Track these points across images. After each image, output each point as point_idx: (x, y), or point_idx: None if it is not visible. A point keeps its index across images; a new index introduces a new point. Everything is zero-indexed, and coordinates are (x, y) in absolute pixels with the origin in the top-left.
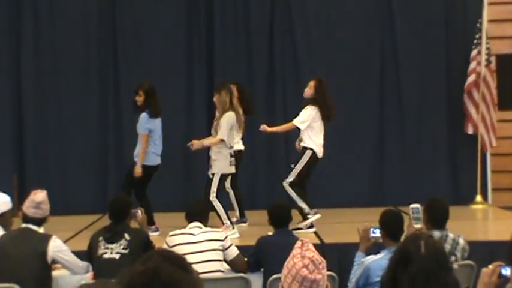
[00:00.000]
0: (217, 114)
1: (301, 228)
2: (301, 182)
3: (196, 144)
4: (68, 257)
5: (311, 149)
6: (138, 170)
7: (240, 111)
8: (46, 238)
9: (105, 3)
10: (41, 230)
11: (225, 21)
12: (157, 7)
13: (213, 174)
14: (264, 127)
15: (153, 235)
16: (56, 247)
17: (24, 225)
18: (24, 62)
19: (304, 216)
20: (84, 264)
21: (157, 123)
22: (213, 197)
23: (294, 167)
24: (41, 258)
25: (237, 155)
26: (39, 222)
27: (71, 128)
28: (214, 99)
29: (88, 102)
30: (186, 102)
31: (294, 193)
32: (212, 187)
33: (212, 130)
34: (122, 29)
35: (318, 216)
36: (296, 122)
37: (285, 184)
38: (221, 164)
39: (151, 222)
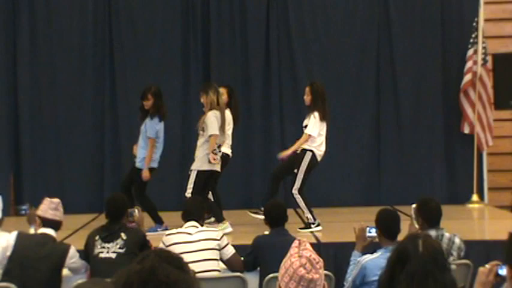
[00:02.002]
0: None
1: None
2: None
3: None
4: (77, 263)
5: (311, 151)
6: (146, 174)
7: (227, 112)
8: (65, 250)
9: (102, 3)
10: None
11: (221, 21)
12: (153, 6)
13: (190, 171)
14: (282, 155)
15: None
16: (72, 257)
17: (42, 230)
18: (20, 62)
19: (307, 225)
20: (84, 263)
21: (162, 127)
22: (188, 193)
23: (297, 172)
24: (57, 269)
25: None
26: (57, 225)
27: (67, 127)
28: (202, 99)
29: (84, 101)
30: (183, 102)
31: (302, 202)
32: (188, 184)
33: (198, 129)
34: (118, 29)
35: (319, 228)
36: (308, 131)
37: (294, 192)
38: (199, 161)
39: (159, 221)
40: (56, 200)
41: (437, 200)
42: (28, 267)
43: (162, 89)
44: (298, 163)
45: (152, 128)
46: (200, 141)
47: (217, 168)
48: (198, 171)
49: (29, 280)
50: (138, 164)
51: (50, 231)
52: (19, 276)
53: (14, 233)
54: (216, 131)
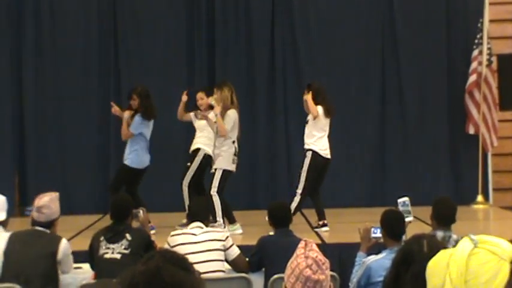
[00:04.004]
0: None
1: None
2: (313, 189)
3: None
4: (69, 263)
5: (310, 150)
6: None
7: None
8: (57, 239)
9: (106, 4)
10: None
11: (225, 21)
12: (158, 7)
13: (215, 170)
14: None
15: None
16: (66, 250)
17: (32, 228)
18: (25, 61)
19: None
20: (72, 266)
21: (150, 126)
22: (214, 191)
23: (300, 172)
24: (51, 258)
25: None
26: (44, 225)
27: (72, 127)
28: (215, 96)
29: (89, 101)
30: (188, 103)
31: (295, 203)
32: (214, 182)
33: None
34: (123, 30)
35: (325, 228)
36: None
37: (298, 191)
38: (224, 160)
39: None
40: (40, 203)
41: (452, 202)
42: (21, 258)
43: (167, 89)
44: (302, 164)
45: (136, 126)
46: (219, 140)
47: (234, 168)
48: (224, 170)
49: (25, 272)
50: (125, 161)
51: (38, 228)
52: (17, 271)
53: (7, 234)
54: (227, 133)
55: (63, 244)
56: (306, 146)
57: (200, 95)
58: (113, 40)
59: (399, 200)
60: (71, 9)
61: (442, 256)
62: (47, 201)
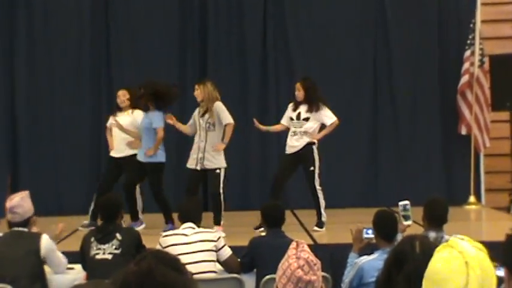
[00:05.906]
0: (200, 109)
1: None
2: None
3: (220, 147)
4: (57, 257)
5: (314, 143)
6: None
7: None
8: (37, 236)
9: (98, 2)
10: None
11: (218, 19)
12: (150, 3)
13: (219, 169)
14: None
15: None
16: (48, 245)
17: (10, 230)
18: (18, 63)
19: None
20: (65, 262)
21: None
22: (221, 192)
23: (314, 168)
24: (35, 256)
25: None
26: (21, 224)
27: (64, 128)
28: (198, 92)
29: (81, 102)
30: (179, 99)
31: (322, 198)
32: (221, 182)
33: (206, 124)
34: (115, 26)
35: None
36: (333, 118)
37: (318, 188)
38: (221, 158)
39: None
40: (11, 204)
41: (444, 202)
42: (5, 260)
43: None
44: (312, 160)
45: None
46: (212, 136)
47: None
48: (225, 168)
49: (10, 273)
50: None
51: (17, 228)
52: (5, 275)
53: None
54: (232, 120)
55: (44, 240)
56: (313, 139)
57: (122, 92)
58: (104, 41)
59: (400, 203)
60: (63, 6)
61: (451, 257)
62: (19, 201)
